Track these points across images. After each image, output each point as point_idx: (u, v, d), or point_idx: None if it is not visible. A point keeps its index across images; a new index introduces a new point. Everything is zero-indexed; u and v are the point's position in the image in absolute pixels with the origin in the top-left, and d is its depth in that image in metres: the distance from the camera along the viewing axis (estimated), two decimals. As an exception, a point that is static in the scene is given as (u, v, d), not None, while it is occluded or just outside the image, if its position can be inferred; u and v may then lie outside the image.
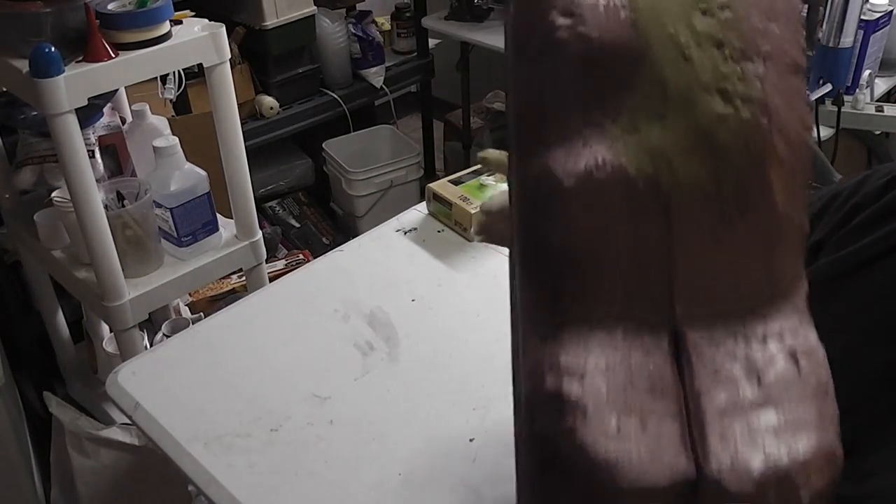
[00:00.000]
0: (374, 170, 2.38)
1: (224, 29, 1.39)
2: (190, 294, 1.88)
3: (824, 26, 1.74)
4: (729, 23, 0.30)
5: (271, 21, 2.10)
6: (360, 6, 2.49)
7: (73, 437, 1.56)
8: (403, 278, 1.11)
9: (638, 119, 0.30)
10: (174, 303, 1.77)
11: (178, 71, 1.74)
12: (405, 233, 1.20)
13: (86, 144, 1.32)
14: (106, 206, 1.36)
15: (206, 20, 1.41)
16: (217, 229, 1.55)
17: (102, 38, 1.25)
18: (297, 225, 2.47)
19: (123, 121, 1.61)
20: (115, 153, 1.51)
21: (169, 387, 0.94)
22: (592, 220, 0.31)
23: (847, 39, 1.74)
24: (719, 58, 0.30)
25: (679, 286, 0.32)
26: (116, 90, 1.56)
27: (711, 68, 0.30)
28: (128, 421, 0.96)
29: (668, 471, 0.30)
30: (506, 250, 0.43)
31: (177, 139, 1.44)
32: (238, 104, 1.48)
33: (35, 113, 1.48)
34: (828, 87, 1.77)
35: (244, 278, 1.75)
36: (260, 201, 2.35)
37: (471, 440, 0.86)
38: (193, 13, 1.42)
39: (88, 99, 1.25)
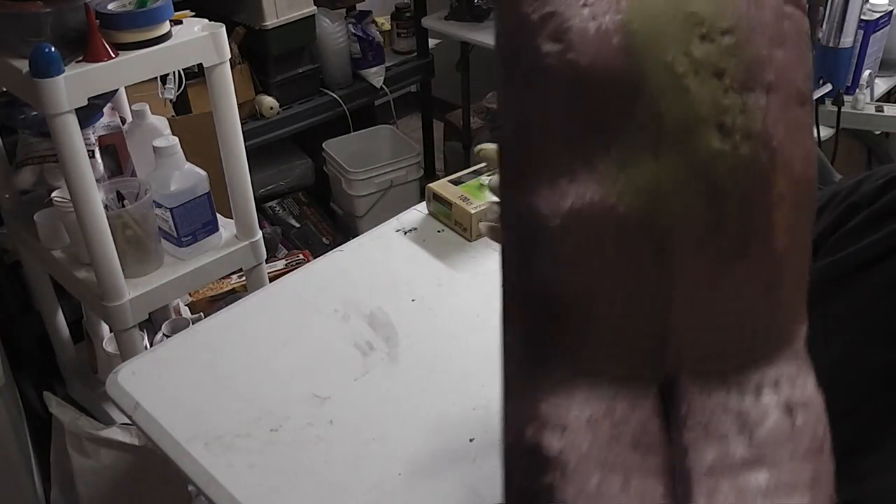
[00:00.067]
0: (374, 170, 2.38)
1: (224, 29, 1.39)
2: (190, 294, 1.88)
3: (824, 26, 1.74)
4: (730, 49, 0.28)
5: (271, 21, 2.10)
6: (360, 6, 2.49)
7: (73, 437, 1.56)
8: (403, 278, 1.11)
9: (630, 154, 0.28)
10: (174, 303, 1.77)
11: (178, 71, 1.74)
12: (405, 233, 1.20)
13: (86, 144, 1.32)
14: (106, 206, 1.36)
15: (206, 20, 1.41)
16: (217, 229, 1.55)
17: (102, 38, 1.25)
18: (297, 225, 2.47)
19: (123, 121, 1.61)
20: (115, 153, 1.51)
21: (169, 387, 0.94)
22: (580, 261, 0.29)
23: (847, 39, 1.74)
24: (719, 89, 0.28)
25: (671, 331, 0.30)
26: (116, 90, 1.56)
27: (710, 100, 0.28)
28: (128, 421, 0.96)
29: None
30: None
31: (177, 139, 1.44)
32: (238, 104, 1.48)
33: (35, 113, 1.48)
34: (828, 87, 1.77)
35: (244, 278, 1.75)
36: (260, 201, 2.35)
37: (471, 440, 0.86)
38: (193, 13, 1.42)
39: (88, 99, 1.25)
